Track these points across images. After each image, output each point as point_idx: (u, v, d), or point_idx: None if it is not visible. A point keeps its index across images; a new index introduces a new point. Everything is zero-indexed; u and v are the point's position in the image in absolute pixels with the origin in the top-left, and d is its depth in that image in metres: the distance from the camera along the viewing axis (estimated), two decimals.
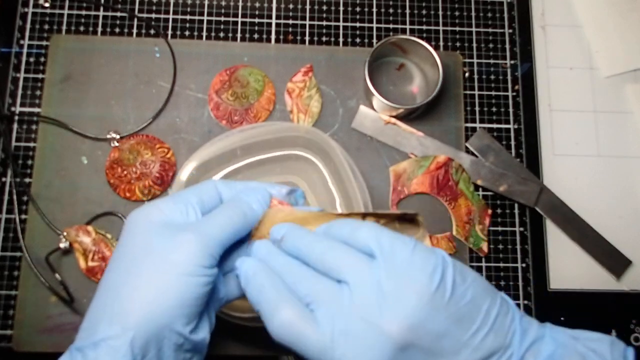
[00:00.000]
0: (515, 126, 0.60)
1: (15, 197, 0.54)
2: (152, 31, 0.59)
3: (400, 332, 0.29)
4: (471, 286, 0.31)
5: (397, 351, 0.29)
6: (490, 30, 0.62)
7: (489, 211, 0.57)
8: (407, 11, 0.62)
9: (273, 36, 0.60)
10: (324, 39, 0.60)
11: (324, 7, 0.61)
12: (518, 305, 0.56)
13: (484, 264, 0.57)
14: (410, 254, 0.31)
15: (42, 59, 0.58)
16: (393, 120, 0.58)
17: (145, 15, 0.60)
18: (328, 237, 0.35)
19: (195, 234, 0.34)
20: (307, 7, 0.61)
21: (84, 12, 0.59)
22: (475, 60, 0.61)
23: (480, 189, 0.58)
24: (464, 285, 0.31)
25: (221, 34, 0.60)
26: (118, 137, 0.56)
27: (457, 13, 0.62)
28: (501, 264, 0.57)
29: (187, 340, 0.33)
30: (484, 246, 0.56)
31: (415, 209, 0.57)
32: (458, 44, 0.61)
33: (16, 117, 0.56)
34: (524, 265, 0.57)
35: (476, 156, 0.59)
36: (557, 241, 0.58)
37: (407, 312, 0.30)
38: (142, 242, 0.34)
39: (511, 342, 0.31)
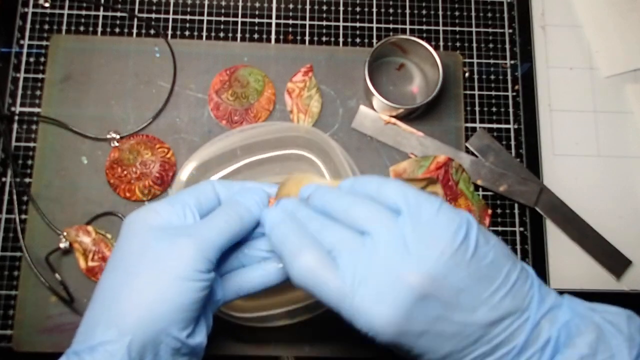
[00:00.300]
0: (515, 126, 0.60)
1: (15, 197, 0.54)
2: (152, 31, 0.59)
3: (420, 282, 0.30)
4: (493, 248, 0.32)
5: (416, 300, 0.30)
6: (490, 30, 0.62)
7: (489, 211, 0.57)
8: (407, 11, 0.62)
9: (273, 36, 0.60)
10: (324, 39, 0.60)
11: (324, 7, 0.61)
12: None
13: None
14: (436, 211, 0.32)
15: (42, 59, 0.58)
16: (393, 120, 0.58)
17: (145, 15, 0.60)
18: (353, 192, 0.35)
19: (192, 238, 0.34)
20: (307, 7, 0.61)
21: (84, 12, 0.59)
22: (475, 60, 0.61)
23: (480, 189, 0.58)
24: (486, 247, 0.32)
25: (221, 34, 0.60)
26: (118, 137, 0.56)
27: (457, 13, 0.62)
28: None
29: (184, 345, 0.33)
30: None
31: None
32: (458, 44, 0.61)
33: (16, 117, 0.56)
34: None
35: (476, 156, 0.59)
36: (557, 241, 0.58)
37: (430, 265, 0.30)
38: (139, 245, 0.34)
39: (528, 306, 0.32)
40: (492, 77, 0.61)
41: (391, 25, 0.61)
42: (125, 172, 0.55)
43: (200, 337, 0.35)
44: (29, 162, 0.55)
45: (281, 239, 0.34)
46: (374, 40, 0.61)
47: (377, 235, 0.32)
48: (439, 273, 0.30)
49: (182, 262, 0.33)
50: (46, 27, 0.59)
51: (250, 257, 0.39)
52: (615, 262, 0.57)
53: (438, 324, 0.30)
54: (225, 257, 0.38)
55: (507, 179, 0.57)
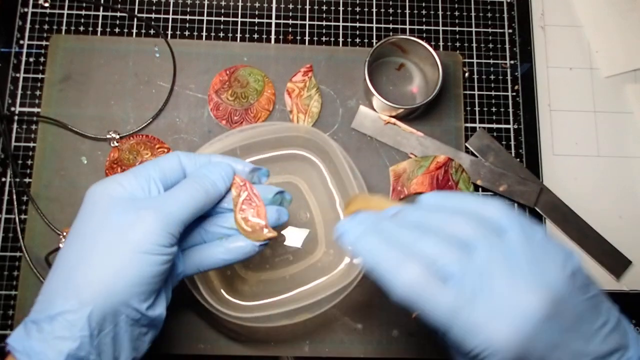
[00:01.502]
0: (515, 126, 0.60)
1: (15, 197, 0.54)
2: (151, 31, 0.59)
3: (544, 302, 0.28)
4: (595, 283, 0.32)
5: (541, 320, 0.28)
6: (490, 30, 0.62)
7: None
8: (407, 11, 0.62)
9: (273, 36, 0.60)
10: (323, 39, 0.60)
11: (324, 7, 0.61)
12: None
13: None
14: (546, 235, 0.31)
15: (42, 59, 0.58)
16: (393, 120, 0.58)
17: (145, 15, 0.60)
18: (446, 208, 0.33)
19: (155, 211, 0.34)
20: (307, 7, 0.61)
21: (83, 12, 0.59)
22: (475, 60, 0.61)
23: (480, 189, 0.58)
24: (592, 280, 0.31)
25: (221, 34, 0.60)
26: (118, 137, 0.56)
27: (457, 13, 0.62)
28: None
29: (144, 316, 0.34)
30: None
31: None
32: (458, 44, 0.61)
33: (16, 117, 0.56)
34: None
35: (476, 156, 0.59)
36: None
37: (552, 285, 0.29)
38: (100, 217, 0.34)
39: (629, 344, 0.32)
40: (492, 77, 0.61)
41: (391, 25, 0.61)
42: None
43: (160, 309, 0.35)
44: (29, 162, 0.55)
45: (374, 251, 0.32)
46: (374, 40, 0.61)
47: (484, 249, 0.30)
48: (561, 295, 0.29)
49: (144, 236, 0.33)
50: (46, 27, 0.59)
51: (212, 234, 0.39)
52: (615, 262, 0.57)
53: (557, 350, 0.29)
54: (187, 231, 0.37)
55: (506, 179, 0.57)
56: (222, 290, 0.51)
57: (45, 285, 0.34)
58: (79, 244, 0.34)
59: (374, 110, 0.58)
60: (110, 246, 0.33)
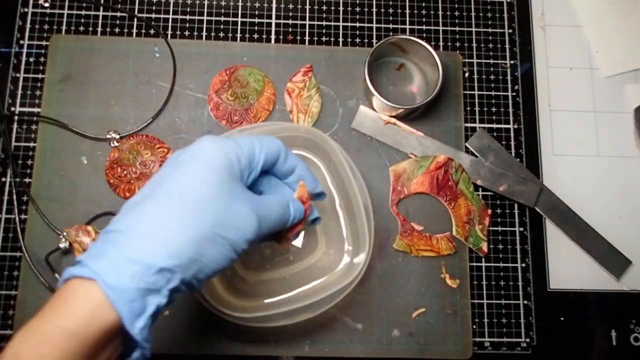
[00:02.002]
0: (515, 126, 0.60)
1: (15, 197, 0.54)
2: (152, 31, 0.59)
3: None
4: None
5: None
6: (490, 30, 0.62)
7: (489, 211, 0.57)
8: (407, 11, 0.62)
9: (273, 36, 0.60)
10: (323, 39, 0.60)
11: (324, 7, 0.61)
12: (518, 305, 0.56)
13: (483, 264, 0.57)
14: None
15: (42, 59, 0.58)
16: (393, 120, 0.58)
17: (145, 15, 0.60)
18: None
19: (258, 219, 0.37)
20: (307, 7, 0.61)
21: (83, 12, 0.59)
22: (475, 60, 0.61)
23: (480, 189, 0.58)
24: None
25: (221, 34, 0.60)
26: (118, 137, 0.56)
27: (457, 13, 0.62)
28: (501, 264, 0.57)
29: (193, 291, 0.37)
30: (484, 246, 0.56)
31: (414, 209, 0.57)
32: (458, 44, 0.61)
33: (16, 117, 0.56)
34: (523, 265, 0.57)
35: (476, 156, 0.59)
36: (557, 241, 0.58)
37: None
38: (215, 188, 0.36)
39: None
40: (492, 77, 0.61)
41: (391, 25, 0.61)
42: (125, 172, 0.55)
43: (202, 289, 0.39)
44: (29, 162, 0.55)
45: None
46: (374, 40, 0.61)
47: None
48: None
49: (248, 235, 0.37)
50: (46, 27, 0.59)
51: None
52: (615, 262, 0.57)
53: None
54: None
55: (506, 179, 0.57)
56: (222, 291, 0.51)
57: (135, 217, 0.34)
58: (189, 200, 0.35)
59: (374, 110, 0.58)
60: (217, 226, 0.35)
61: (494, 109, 0.60)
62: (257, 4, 0.61)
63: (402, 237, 0.56)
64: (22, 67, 0.57)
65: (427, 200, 0.57)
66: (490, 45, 0.62)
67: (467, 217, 0.57)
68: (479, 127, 0.59)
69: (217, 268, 0.36)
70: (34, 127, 0.56)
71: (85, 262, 0.33)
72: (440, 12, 0.62)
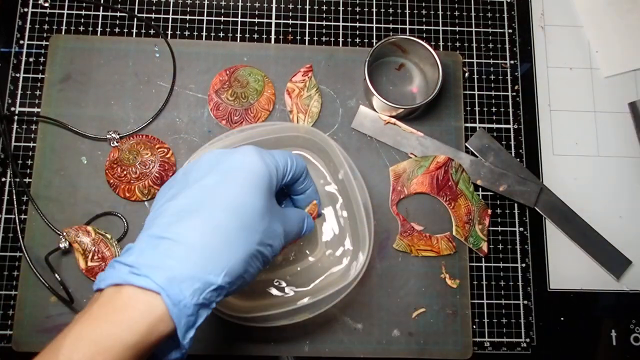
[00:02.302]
0: (515, 126, 0.60)
1: (15, 197, 0.54)
2: (151, 31, 0.59)
3: None
4: None
5: None
6: (490, 30, 0.62)
7: (489, 211, 0.57)
8: (407, 11, 0.62)
9: (273, 36, 0.60)
10: (323, 39, 0.60)
11: (324, 7, 0.61)
12: (518, 305, 0.56)
13: (483, 264, 0.57)
14: None
15: (42, 59, 0.58)
16: (393, 120, 0.58)
17: (145, 15, 0.60)
18: None
19: (285, 235, 0.39)
20: (307, 7, 0.61)
21: (83, 12, 0.59)
22: (475, 60, 0.61)
23: (480, 189, 0.58)
24: None
25: (221, 34, 0.60)
26: (118, 137, 0.56)
27: (457, 13, 0.62)
28: (501, 264, 0.57)
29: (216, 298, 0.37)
30: (484, 246, 0.56)
31: (414, 209, 0.57)
32: (458, 44, 0.61)
33: (16, 117, 0.56)
34: (523, 265, 0.57)
35: (476, 156, 0.59)
36: (557, 241, 0.58)
37: None
38: (261, 208, 0.36)
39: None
40: (492, 77, 0.61)
41: (391, 25, 0.61)
42: (124, 172, 0.55)
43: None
44: (29, 162, 0.55)
45: None
46: (374, 40, 0.61)
47: None
48: None
49: (274, 251, 0.38)
50: (46, 27, 0.59)
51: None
52: (615, 262, 0.57)
53: None
54: None
55: (506, 179, 0.57)
56: None
57: (185, 227, 0.34)
58: (237, 219, 0.35)
59: (374, 110, 0.58)
60: (258, 245, 0.36)
61: (494, 109, 0.60)
62: (257, 4, 0.61)
63: (402, 237, 0.56)
64: (22, 67, 0.57)
65: (427, 200, 0.57)
66: (490, 45, 0.62)
67: (467, 217, 0.56)
68: (479, 127, 0.59)
69: (250, 282, 0.37)
70: (33, 127, 0.56)
71: (142, 270, 0.32)
72: (440, 12, 0.62)
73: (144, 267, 0.32)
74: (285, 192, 0.47)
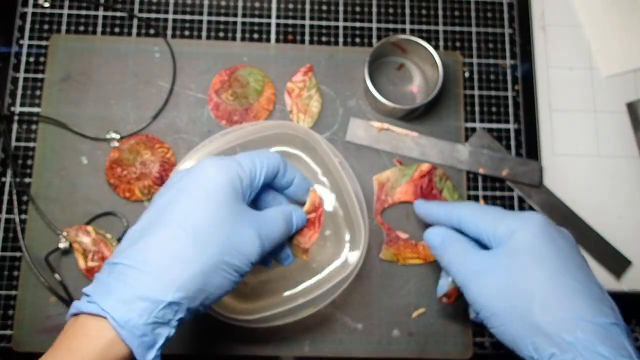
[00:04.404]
0: (515, 126, 0.60)
1: (15, 197, 0.54)
2: (151, 31, 0.59)
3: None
4: None
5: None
6: (490, 30, 0.62)
7: None
8: (407, 11, 0.62)
9: (273, 36, 0.60)
10: (323, 39, 0.60)
11: (324, 7, 0.61)
12: None
13: None
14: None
15: (42, 59, 0.58)
16: (386, 125, 0.58)
17: (145, 15, 0.60)
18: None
19: (259, 238, 0.37)
20: (307, 7, 0.61)
21: (83, 12, 0.59)
22: (475, 60, 0.61)
23: (481, 189, 0.58)
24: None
25: (221, 34, 0.60)
26: (118, 137, 0.56)
27: (457, 13, 0.62)
28: None
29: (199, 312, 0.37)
30: None
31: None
32: (458, 44, 0.61)
33: (16, 117, 0.56)
34: None
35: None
36: None
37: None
38: (218, 215, 0.36)
39: None
40: (492, 77, 0.61)
41: (391, 25, 0.61)
42: (125, 172, 0.55)
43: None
44: (29, 162, 0.55)
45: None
46: (374, 40, 0.61)
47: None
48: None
49: (248, 258, 0.37)
50: (46, 27, 0.59)
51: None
52: (615, 262, 0.57)
53: None
54: None
55: (507, 162, 0.57)
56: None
57: (142, 248, 0.34)
58: (191, 229, 0.35)
59: (374, 110, 0.58)
60: (221, 255, 0.35)
61: (494, 109, 0.60)
62: (257, 4, 0.61)
63: (387, 246, 0.55)
64: (22, 67, 0.57)
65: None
66: (490, 45, 0.62)
67: None
68: (479, 127, 0.59)
69: (222, 293, 0.36)
70: (34, 127, 0.56)
71: (93, 297, 0.33)
72: (440, 12, 0.62)
73: (97, 294, 0.33)
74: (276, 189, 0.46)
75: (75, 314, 0.33)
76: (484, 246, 0.44)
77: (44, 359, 0.32)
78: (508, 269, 0.40)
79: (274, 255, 0.45)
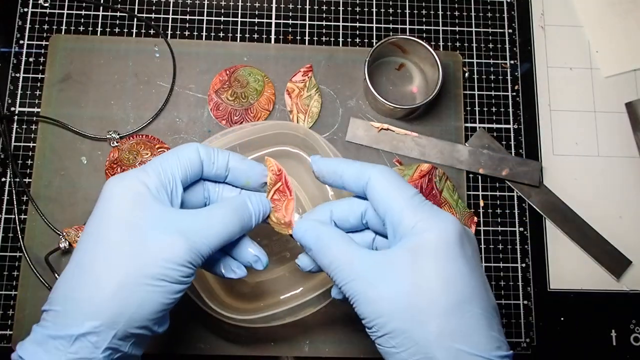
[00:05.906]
0: (515, 126, 0.60)
1: (14, 197, 0.54)
2: (151, 31, 0.59)
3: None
4: None
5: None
6: (490, 30, 0.62)
7: (475, 219, 0.57)
8: (407, 11, 0.62)
9: (273, 36, 0.60)
10: (323, 39, 0.60)
11: (324, 7, 0.61)
12: (518, 305, 0.56)
13: (483, 264, 0.57)
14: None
15: (42, 59, 0.58)
16: (385, 125, 0.58)
17: (145, 15, 0.60)
18: None
19: (187, 241, 0.33)
20: (307, 7, 0.61)
21: (83, 12, 0.59)
22: (475, 60, 0.61)
23: (481, 189, 0.58)
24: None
25: (221, 34, 0.60)
26: (118, 137, 0.56)
27: (457, 13, 0.62)
28: (501, 264, 0.57)
29: (154, 334, 0.35)
30: None
31: None
32: (458, 44, 0.61)
33: (16, 117, 0.56)
34: (523, 265, 0.57)
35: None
36: (557, 241, 0.58)
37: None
38: (126, 227, 0.33)
39: None
40: (492, 77, 0.61)
41: (391, 25, 0.61)
42: None
43: (166, 324, 0.36)
44: (29, 162, 0.55)
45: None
46: (374, 40, 0.61)
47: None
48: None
49: (174, 266, 0.33)
50: (46, 27, 0.59)
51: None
52: (615, 262, 0.57)
53: None
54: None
55: (507, 162, 0.57)
56: (224, 296, 0.51)
57: (60, 288, 0.33)
58: (100, 250, 0.33)
59: (374, 110, 0.58)
60: (137, 268, 0.32)
61: (494, 109, 0.60)
62: (257, 4, 0.61)
63: None
64: (22, 67, 0.57)
65: None
66: (490, 45, 0.62)
67: None
68: (479, 127, 0.59)
69: (154, 310, 0.33)
70: (33, 127, 0.56)
71: (22, 344, 0.33)
72: (440, 12, 0.62)
73: (27, 341, 0.33)
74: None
75: None
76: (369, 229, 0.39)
77: None
78: (407, 276, 0.33)
79: (241, 257, 0.40)
